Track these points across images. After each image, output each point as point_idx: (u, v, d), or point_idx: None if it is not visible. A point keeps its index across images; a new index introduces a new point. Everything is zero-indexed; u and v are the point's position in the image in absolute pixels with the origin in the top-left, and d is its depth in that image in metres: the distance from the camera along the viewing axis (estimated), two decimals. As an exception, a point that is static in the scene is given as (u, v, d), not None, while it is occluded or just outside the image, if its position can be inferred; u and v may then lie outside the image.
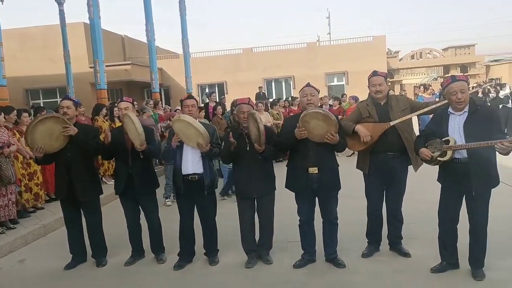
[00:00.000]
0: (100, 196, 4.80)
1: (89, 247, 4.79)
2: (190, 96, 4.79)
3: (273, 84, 25.31)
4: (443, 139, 3.67)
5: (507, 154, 3.39)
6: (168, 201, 7.01)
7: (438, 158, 3.68)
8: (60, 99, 4.65)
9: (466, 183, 3.64)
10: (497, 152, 3.47)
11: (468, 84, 3.74)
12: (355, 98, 11.80)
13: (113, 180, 4.90)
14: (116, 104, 4.81)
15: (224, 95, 22.28)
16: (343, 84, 24.38)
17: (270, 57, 24.56)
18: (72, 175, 4.43)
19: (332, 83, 24.73)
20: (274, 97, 20.42)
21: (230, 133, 4.21)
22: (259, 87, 20.87)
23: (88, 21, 10.68)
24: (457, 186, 3.74)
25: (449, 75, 29.22)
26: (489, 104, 12.39)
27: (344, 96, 13.28)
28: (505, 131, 10.19)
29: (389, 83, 25.48)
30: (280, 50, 25.20)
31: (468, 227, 3.83)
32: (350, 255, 4.42)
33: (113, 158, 4.89)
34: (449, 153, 3.62)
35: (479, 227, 3.75)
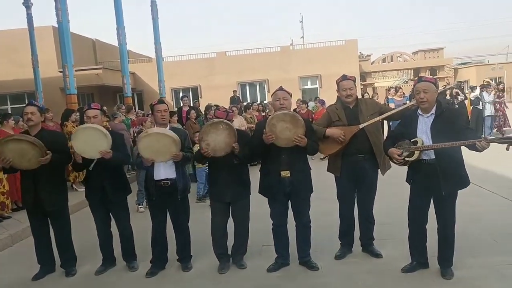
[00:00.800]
0: (70, 204, 4.67)
1: (57, 257, 4.65)
2: (161, 101, 4.70)
3: (247, 87, 25.34)
4: (411, 140, 3.75)
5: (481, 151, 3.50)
6: (141, 207, 6.91)
7: (406, 159, 3.76)
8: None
9: (433, 184, 3.71)
10: (463, 154, 3.58)
11: (437, 87, 3.83)
12: (322, 102, 11.96)
13: (84, 187, 4.77)
14: (84, 111, 4.68)
15: (198, 99, 22.19)
16: (317, 88, 24.63)
17: (244, 61, 24.59)
18: (39, 184, 4.29)
19: (306, 87, 24.96)
20: (248, 101, 20.43)
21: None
22: (233, 91, 20.84)
23: (57, 25, 10.45)
24: (425, 186, 3.81)
25: (428, 76, 30.01)
26: (456, 107, 12.75)
27: (317, 99, 13.44)
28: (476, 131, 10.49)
29: (362, 86, 25.87)
30: (254, 54, 25.28)
31: (437, 227, 3.91)
32: (323, 258, 4.45)
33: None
34: (416, 153, 3.70)
35: (447, 227, 3.83)
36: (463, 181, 3.77)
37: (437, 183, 3.68)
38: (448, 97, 12.94)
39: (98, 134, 4.19)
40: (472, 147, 3.47)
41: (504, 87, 13.22)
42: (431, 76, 17.72)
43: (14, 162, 4.15)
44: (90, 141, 4.20)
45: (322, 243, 4.71)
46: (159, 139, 4.13)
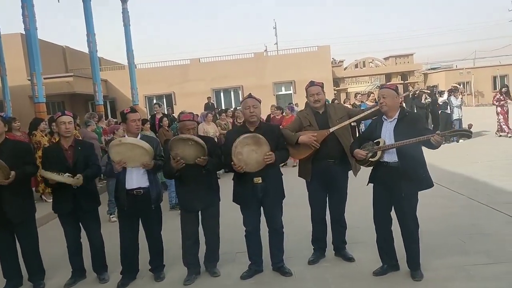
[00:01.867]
0: (40, 215, 4.54)
1: (24, 270, 4.50)
2: (133, 110, 4.57)
3: (221, 94, 25.32)
4: (374, 141, 3.90)
5: (437, 147, 3.65)
6: (113, 217, 6.78)
7: (370, 159, 3.88)
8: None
9: (394, 186, 3.81)
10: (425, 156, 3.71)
11: (398, 93, 3.98)
12: (291, 108, 12.06)
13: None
14: (55, 118, 4.54)
15: (172, 106, 22.02)
16: (291, 93, 24.82)
17: (218, 68, 24.59)
18: (3, 195, 4.14)
19: (280, 92, 25.13)
20: (223, 107, 20.40)
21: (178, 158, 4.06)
22: (207, 98, 20.80)
23: (24, 32, 10.21)
24: (386, 189, 3.90)
25: (391, 82, 30.59)
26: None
27: (288, 105, 13.57)
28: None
29: (335, 92, 26.13)
30: (228, 61, 25.31)
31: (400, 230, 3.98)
32: (296, 263, 4.46)
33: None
34: (379, 153, 3.85)
35: (408, 230, 3.91)
36: (424, 183, 3.86)
37: (397, 186, 3.79)
38: (423, 101, 13.23)
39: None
40: (429, 144, 3.64)
41: (507, 90, 13.34)
42: (391, 83, 18.21)
43: None
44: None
45: (295, 249, 4.73)
46: (132, 149, 4.09)
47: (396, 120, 3.89)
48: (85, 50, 14.63)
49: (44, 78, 10.41)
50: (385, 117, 3.96)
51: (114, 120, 12.76)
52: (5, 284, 4.41)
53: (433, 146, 3.63)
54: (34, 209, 4.50)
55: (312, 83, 4.43)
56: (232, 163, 3.98)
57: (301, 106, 13.55)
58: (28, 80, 14.39)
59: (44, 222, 6.50)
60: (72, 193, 4.28)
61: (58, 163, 4.26)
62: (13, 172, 4.03)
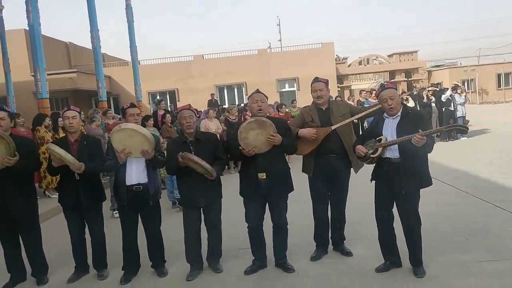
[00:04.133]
0: (44, 210, 4.56)
1: (28, 265, 4.53)
2: (133, 105, 4.69)
3: (225, 91, 25.31)
4: (376, 138, 3.90)
5: (423, 145, 3.60)
6: (115, 213, 6.79)
7: (371, 156, 3.89)
8: (-1, 109, 4.33)
9: (395, 183, 3.81)
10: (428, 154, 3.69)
11: (397, 89, 3.98)
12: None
13: (57, 194, 4.67)
14: (61, 113, 4.56)
15: (175, 103, 22.04)
16: (294, 90, 24.79)
17: (222, 64, 24.58)
18: (6, 191, 4.16)
19: (283, 89, 25.09)
20: (226, 104, 20.41)
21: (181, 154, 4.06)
22: (211, 94, 20.82)
23: (28, 28, 10.24)
24: (388, 186, 3.90)
25: (395, 80, 30.51)
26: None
27: (294, 102, 13.58)
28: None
29: (339, 89, 26.07)
30: (231, 57, 25.28)
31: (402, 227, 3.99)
32: (299, 259, 4.47)
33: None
34: (380, 149, 3.85)
35: (410, 227, 3.92)
36: (424, 181, 3.85)
37: (398, 183, 3.78)
38: (425, 100, 13.19)
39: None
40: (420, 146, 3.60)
41: None
42: (390, 82, 18.09)
43: None
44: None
45: (297, 245, 4.74)
46: (132, 135, 4.09)
47: (399, 117, 3.88)
48: (89, 46, 14.64)
49: (48, 74, 10.43)
50: (386, 115, 3.96)
51: (118, 116, 12.76)
52: (9, 279, 4.44)
53: (425, 149, 3.63)
54: (36, 205, 4.50)
55: (316, 79, 4.46)
56: (241, 148, 3.98)
57: (301, 104, 13.56)
58: (32, 76, 14.45)
59: (48, 217, 6.52)
60: (75, 187, 4.29)
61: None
62: (17, 156, 4.03)
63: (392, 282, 3.88)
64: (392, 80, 32.04)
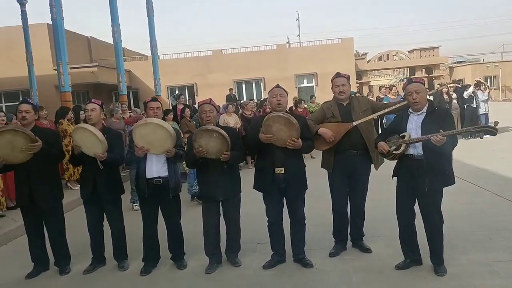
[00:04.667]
0: (65, 202, 4.65)
1: (51, 255, 4.64)
2: (154, 99, 4.72)
3: (243, 86, 25.31)
4: (400, 135, 3.83)
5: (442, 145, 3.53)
6: (136, 205, 6.89)
7: (393, 152, 3.83)
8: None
9: (419, 180, 3.75)
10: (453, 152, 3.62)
11: (425, 85, 3.90)
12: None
13: (79, 186, 4.77)
14: (83, 106, 4.65)
15: (194, 97, 22.14)
16: (313, 86, 24.63)
17: (240, 59, 24.55)
18: (33, 181, 4.27)
19: (302, 85, 24.95)
20: (244, 99, 20.40)
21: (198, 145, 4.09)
22: (229, 89, 20.84)
23: (51, 22, 10.39)
24: (411, 183, 3.84)
25: (415, 76, 30.05)
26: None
27: (313, 98, 13.49)
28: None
29: (358, 85, 25.84)
30: (250, 52, 25.23)
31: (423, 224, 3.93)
32: (317, 255, 4.46)
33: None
34: (403, 146, 3.78)
35: (433, 225, 3.85)
36: (448, 179, 3.79)
37: (421, 180, 3.72)
38: (445, 96, 12.95)
39: (94, 139, 4.16)
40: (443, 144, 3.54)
41: None
42: (419, 77, 17.73)
43: (8, 158, 4.14)
44: (88, 141, 4.19)
45: (316, 241, 4.73)
46: (155, 130, 4.12)
47: (424, 113, 3.81)
48: (109, 40, 14.80)
49: (70, 68, 10.59)
50: (411, 110, 3.89)
51: (138, 110, 12.86)
52: (33, 267, 4.55)
53: (447, 148, 3.56)
54: (61, 195, 4.61)
55: (338, 75, 4.43)
56: (261, 133, 3.98)
57: (320, 100, 13.46)
58: (54, 69, 14.71)
59: (69, 209, 6.66)
60: (94, 178, 4.36)
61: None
62: (40, 142, 4.12)
63: (413, 280, 3.84)
64: (412, 77, 31.58)
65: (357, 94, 13.27)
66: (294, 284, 3.99)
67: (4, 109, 15.11)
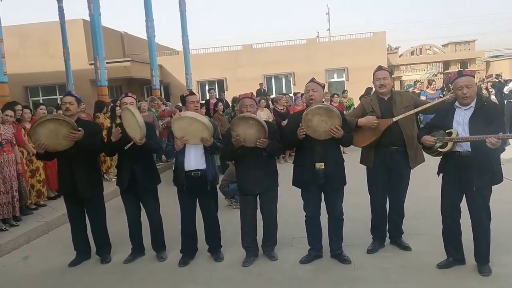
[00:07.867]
0: (103, 193, 4.77)
1: (93, 244, 4.77)
2: (192, 92, 4.78)
3: (273, 80, 25.24)
4: (446, 131, 3.69)
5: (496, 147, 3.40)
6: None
7: (439, 149, 3.70)
8: (60, 96, 4.60)
9: (466, 178, 3.63)
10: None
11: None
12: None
13: (116, 177, 4.89)
14: (119, 100, 4.76)
15: (224, 92, 22.25)
16: (343, 81, 24.31)
17: (270, 54, 24.46)
18: (75, 171, 4.41)
19: (332, 80, 24.67)
20: (274, 94, 20.36)
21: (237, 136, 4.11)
22: (259, 84, 20.81)
23: (87, 18, 10.64)
24: (457, 180, 3.73)
25: (449, 71, 29.20)
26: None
27: (346, 92, 13.32)
28: (510, 126, 10.15)
29: (393, 80, 25.32)
30: (280, 47, 25.11)
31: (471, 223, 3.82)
32: (355, 251, 4.42)
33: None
34: (450, 144, 3.63)
35: (480, 223, 3.74)
36: (496, 177, 3.66)
37: (469, 177, 3.60)
38: (484, 91, 12.55)
39: (135, 123, 4.24)
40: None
41: None
42: (469, 70, 17.15)
43: (51, 145, 4.27)
44: (132, 124, 4.27)
45: (354, 237, 4.68)
46: (191, 123, 4.18)
47: (472, 108, 3.65)
48: (141, 35, 15.02)
49: (105, 63, 10.82)
50: (457, 104, 3.74)
51: (169, 104, 13.03)
52: (75, 256, 4.70)
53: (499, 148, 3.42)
54: (102, 185, 4.74)
55: (379, 68, 4.34)
56: (300, 128, 3.95)
57: (351, 95, 13.27)
58: (89, 64, 15.08)
59: (106, 200, 6.78)
60: (131, 167, 4.45)
61: (122, 140, 4.42)
62: (82, 131, 4.24)
63: (456, 279, 3.75)
64: (446, 71, 30.74)
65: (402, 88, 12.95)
66: (332, 279, 3.96)
67: (42, 102, 15.56)
